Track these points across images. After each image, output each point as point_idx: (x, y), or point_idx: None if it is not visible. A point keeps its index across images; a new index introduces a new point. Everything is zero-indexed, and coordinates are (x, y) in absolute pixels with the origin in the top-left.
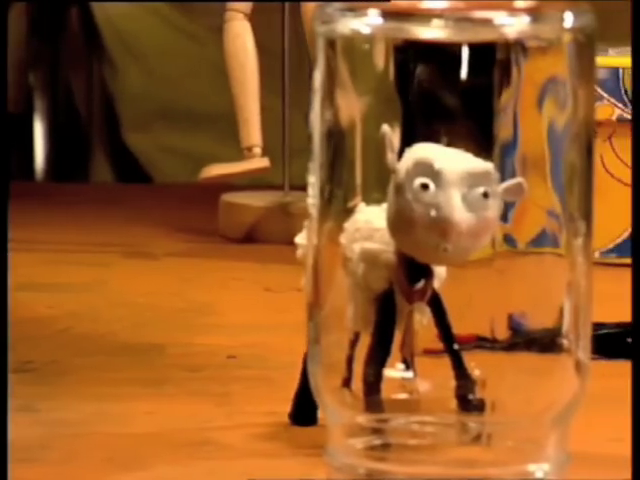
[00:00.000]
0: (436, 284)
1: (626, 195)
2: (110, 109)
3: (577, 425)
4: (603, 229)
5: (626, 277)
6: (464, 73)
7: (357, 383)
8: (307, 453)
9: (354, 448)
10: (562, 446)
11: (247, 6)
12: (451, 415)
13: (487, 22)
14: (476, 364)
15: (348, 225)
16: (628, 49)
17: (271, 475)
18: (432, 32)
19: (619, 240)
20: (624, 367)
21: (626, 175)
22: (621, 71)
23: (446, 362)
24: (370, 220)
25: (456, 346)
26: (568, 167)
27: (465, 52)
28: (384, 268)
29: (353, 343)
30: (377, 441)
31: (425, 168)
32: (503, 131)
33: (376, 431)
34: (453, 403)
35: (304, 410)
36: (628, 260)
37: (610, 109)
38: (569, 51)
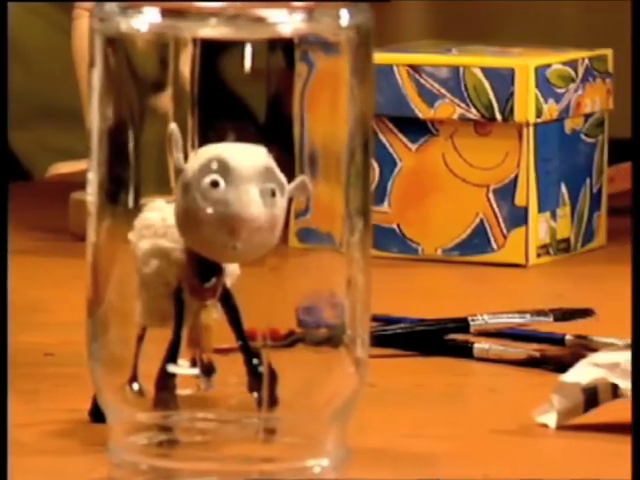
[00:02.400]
0: (228, 281)
1: (468, 193)
2: None
3: (375, 420)
4: (446, 227)
5: (468, 275)
6: (247, 71)
7: (143, 380)
8: (97, 450)
9: (136, 445)
10: (341, 442)
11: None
12: (234, 411)
13: (262, 20)
14: (261, 360)
15: (138, 222)
16: (470, 48)
17: (56, 472)
18: (209, 30)
19: (461, 238)
20: (438, 364)
21: (468, 173)
22: (462, 70)
23: (236, 358)
24: (166, 217)
25: (247, 343)
26: (346, 164)
27: (247, 50)
28: (175, 265)
29: (141, 339)
30: (160, 438)
31: (216, 165)
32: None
33: (160, 428)
34: (237, 399)
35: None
36: (470, 258)
37: (451, 108)
38: (346, 49)
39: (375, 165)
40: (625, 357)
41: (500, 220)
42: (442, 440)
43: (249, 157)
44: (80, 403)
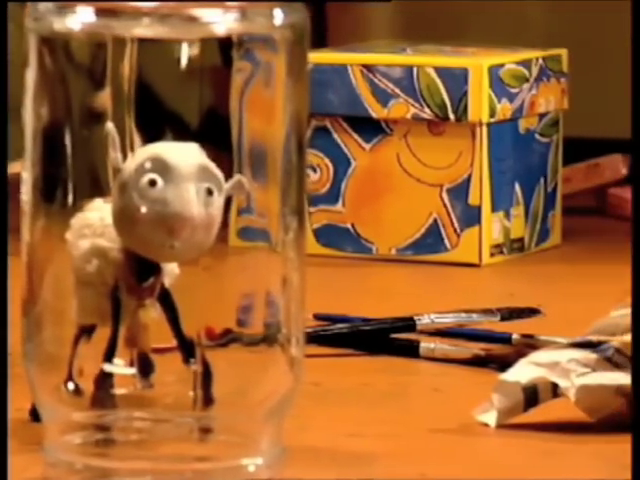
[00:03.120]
0: (167, 281)
1: (422, 193)
2: None
3: (317, 420)
4: (400, 227)
5: (422, 274)
6: (183, 70)
7: (80, 379)
8: (33, 449)
9: (72, 444)
10: (277, 440)
11: None
12: (170, 410)
13: (195, 19)
14: (197, 359)
15: (76, 222)
16: (425, 48)
17: None
18: (143, 29)
19: (415, 238)
20: (383, 363)
21: (422, 173)
22: (416, 70)
23: (173, 358)
24: (104, 217)
25: (185, 342)
26: (281, 164)
27: (183, 49)
28: (112, 265)
29: (78, 338)
30: (96, 437)
31: (155, 164)
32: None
33: (96, 427)
34: (174, 398)
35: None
36: (424, 257)
37: (405, 107)
38: (280, 48)
39: (329, 164)
40: (566, 356)
41: (453, 220)
42: (382, 439)
43: (187, 156)
44: (24, 402)
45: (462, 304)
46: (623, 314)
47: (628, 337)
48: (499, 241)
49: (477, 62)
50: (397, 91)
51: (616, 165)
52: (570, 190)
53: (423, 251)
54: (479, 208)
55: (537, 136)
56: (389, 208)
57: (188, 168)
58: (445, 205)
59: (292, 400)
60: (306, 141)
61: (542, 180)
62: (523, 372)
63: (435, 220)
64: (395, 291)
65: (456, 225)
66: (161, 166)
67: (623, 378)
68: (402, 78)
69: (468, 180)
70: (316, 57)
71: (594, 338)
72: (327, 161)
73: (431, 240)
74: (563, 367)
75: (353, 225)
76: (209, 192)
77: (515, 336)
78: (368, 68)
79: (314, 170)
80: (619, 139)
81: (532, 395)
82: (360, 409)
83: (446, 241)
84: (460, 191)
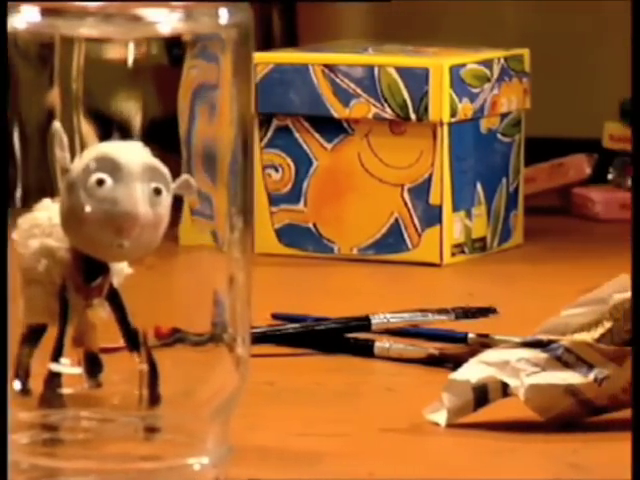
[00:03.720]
0: (116, 280)
1: (383, 193)
2: None
3: (268, 419)
4: (361, 226)
5: (382, 273)
6: (129, 69)
7: (28, 378)
8: None
9: (18, 444)
10: (223, 439)
11: None
12: (117, 410)
13: (140, 19)
14: (144, 359)
15: (24, 222)
16: (386, 48)
17: None
18: (89, 29)
19: (376, 237)
20: (338, 362)
21: (384, 173)
22: (377, 69)
23: (121, 357)
24: (52, 217)
25: (133, 341)
26: (227, 163)
27: (130, 49)
28: (59, 264)
29: (25, 338)
30: (43, 436)
31: (104, 163)
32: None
33: (43, 426)
34: (121, 398)
35: None
36: (385, 257)
37: (366, 107)
38: (226, 48)
39: (291, 164)
40: (515, 355)
41: (415, 219)
42: (331, 439)
43: (136, 155)
44: None
45: (422, 304)
46: (574, 314)
47: (578, 336)
48: (460, 241)
49: (438, 62)
50: (358, 91)
51: (580, 165)
52: (534, 190)
53: (384, 251)
54: (440, 208)
55: (499, 136)
56: (351, 208)
57: (137, 167)
58: (406, 205)
59: (238, 399)
60: (252, 141)
61: (504, 180)
62: (473, 371)
63: (396, 220)
64: (356, 291)
65: (417, 225)
66: (110, 165)
67: (572, 377)
68: (363, 78)
69: (429, 180)
70: (278, 57)
71: (544, 337)
72: (289, 161)
73: (392, 240)
74: (513, 366)
75: (315, 225)
76: (157, 191)
77: (471, 335)
78: (329, 68)
79: (276, 170)
80: (583, 139)
81: (482, 394)
82: (312, 408)
83: (407, 241)
84: (421, 191)
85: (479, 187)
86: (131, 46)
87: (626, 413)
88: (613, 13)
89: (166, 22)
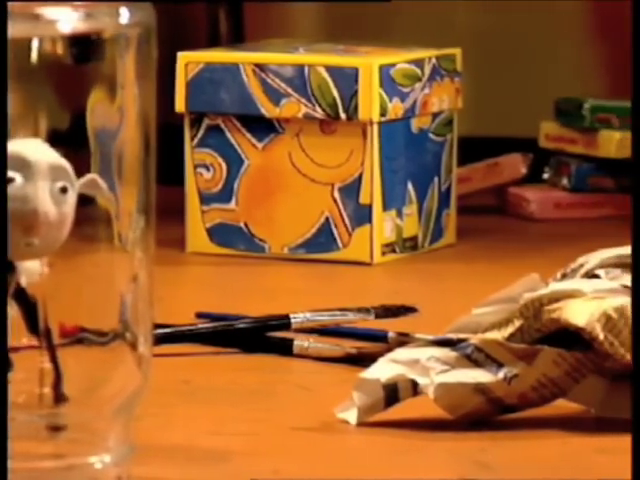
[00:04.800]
0: (25, 279)
1: (314, 192)
2: None
3: (180, 417)
4: (292, 225)
5: (314, 272)
6: (32, 68)
7: None
8: None
9: None
10: (125, 438)
11: None
12: (22, 409)
13: (39, 17)
14: (47, 357)
15: None
16: (318, 47)
17: None
18: None
19: (307, 236)
20: (257, 361)
21: (314, 172)
22: (307, 69)
23: (26, 356)
24: None
25: (43, 340)
26: (130, 163)
27: (33, 47)
28: None
29: None
30: None
31: (14, 162)
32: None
33: None
34: (25, 396)
35: None
36: (316, 256)
37: (297, 106)
38: (128, 47)
39: (222, 163)
40: (425, 354)
41: (345, 218)
42: (241, 437)
43: (43, 153)
44: None
45: (350, 302)
46: (484, 312)
47: (489, 335)
48: (391, 240)
49: (367, 61)
50: (289, 90)
51: (516, 164)
52: (470, 189)
53: (315, 250)
54: (370, 207)
55: (430, 135)
56: (282, 207)
57: (45, 166)
58: (337, 204)
59: (140, 398)
60: (153, 140)
61: (436, 179)
62: (383, 370)
63: (327, 219)
64: (286, 290)
65: (347, 224)
66: (19, 164)
67: (482, 376)
68: (294, 77)
69: (359, 179)
70: (208, 56)
71: (454, 336)
72: (220, 160)
73: (323, 239)
74: (423, 365)
75: (246, 224)
76: (63, 190)
77: (391, 334)
78: (260, 67)
79: (207, 169)
80: (520, 138)
81: (392, 393)
82: (225, 407)
83: (338, 240)
84: (351, 190)
85: (410, 186)
86: (33, 45)
87: (536, 412)
88: (550, 12)
89: (67, 21)
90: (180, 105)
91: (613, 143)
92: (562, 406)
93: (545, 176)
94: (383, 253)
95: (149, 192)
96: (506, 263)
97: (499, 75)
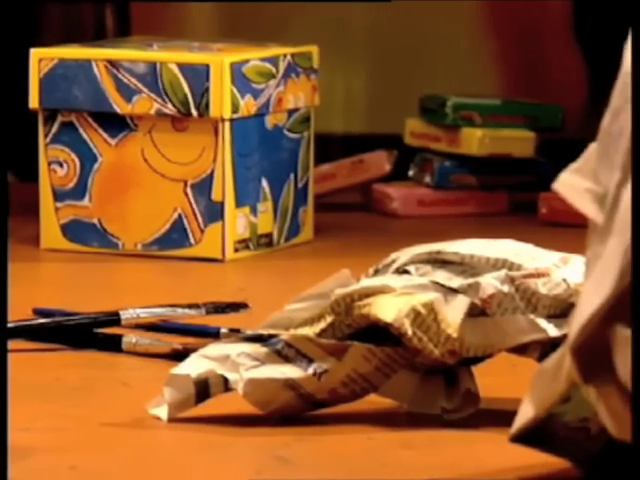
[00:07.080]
0: None
1: (167, 188)
2: None
3: None
4: (145, 222)
5: (166, 269)
6: None
7: None
8: None
9: None
10: None
11: None
12: None
13: None
14: None
15: None
16: (172, 44)
17: None
18: None
19: (160, 233)
20: (84, 357)
21: (167, 169)
22: (159, 66)
23: None
24: None
25: None
26: None
27: None
28: None
29: None
30: None
31: None
32: None
33: None
34: None
35: None
36: (169, 252)
37: (149, 103)
38: None
39: (76, 160)
40: (236, 349)
41: (197, 215)
42: (49, 433)
43: None
44: None
45: (197, 299)
46: (296, 308)
47: (301, 331)
48: (245, 236)
49: (219, 58)
50: (141, 87)
51: (380, 161)
52: (335, 186)
53: (168, 246)
54: (222, 204)
55: (286, 132)
56: (135, 203)
57: None
58: (189, 200)
59: None
60: None
61: (292, 176)
62: (194, 366)
63: (180, 215)
64: (137, 286)
65: (200, 220)
66: None
67: (292, 371)
68: (146, 74)
69: (211, 176)
70: (61, 52)
71: (265, 332)
72: (74, 156)
73: (176, 235)
74: (233, 361)
75: (100, 220)
76: None
77: (223, 330)
78: (112, 64)
79: (61, 165)
80: (385, 135)
81: (203, 388)
82: (42, 403)
83: (190, 236)
84: (203, 187)
85: (265, 183)
86: None
87: (346, 407)
88: (418, 10)
89: None
90: (34, 101)
91: (475, 140)
92: (374, 401)
93: (410, 173)
94: (236, 250)
95: None
96: (363, 259)
97: (364, 72)
